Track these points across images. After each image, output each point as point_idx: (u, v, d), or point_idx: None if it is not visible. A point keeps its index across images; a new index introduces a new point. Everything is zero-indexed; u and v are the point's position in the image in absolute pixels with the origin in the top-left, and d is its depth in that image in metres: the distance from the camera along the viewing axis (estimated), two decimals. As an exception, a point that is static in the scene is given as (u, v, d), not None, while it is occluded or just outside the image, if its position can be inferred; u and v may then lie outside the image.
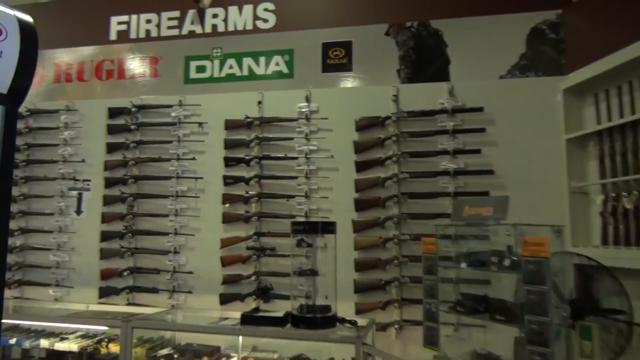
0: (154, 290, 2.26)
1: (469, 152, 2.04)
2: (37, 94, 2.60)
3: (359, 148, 2.16)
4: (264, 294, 2.16)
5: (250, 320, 1.82)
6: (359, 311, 2.05)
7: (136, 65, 2.50)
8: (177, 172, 2.31)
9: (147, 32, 2.49)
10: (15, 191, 2.51)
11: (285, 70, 2.28)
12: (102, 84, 2.53)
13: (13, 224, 2.48)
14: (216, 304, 2.18)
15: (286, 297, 2.01)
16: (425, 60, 2.20)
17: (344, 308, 1.87)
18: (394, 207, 2.09)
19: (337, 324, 1.77)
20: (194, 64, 2.42)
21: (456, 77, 2.13)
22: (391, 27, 2.23)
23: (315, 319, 1.75)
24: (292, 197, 2.17)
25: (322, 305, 1.79)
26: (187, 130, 2.35)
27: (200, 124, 2.31)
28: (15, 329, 2.27)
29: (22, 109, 2.56)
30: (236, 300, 2.18)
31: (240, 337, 1.89)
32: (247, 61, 2.34)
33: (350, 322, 1.80)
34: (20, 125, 2.56)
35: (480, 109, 2.02)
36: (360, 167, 2.15)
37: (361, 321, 1.82)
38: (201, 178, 2.28)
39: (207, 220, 2.26)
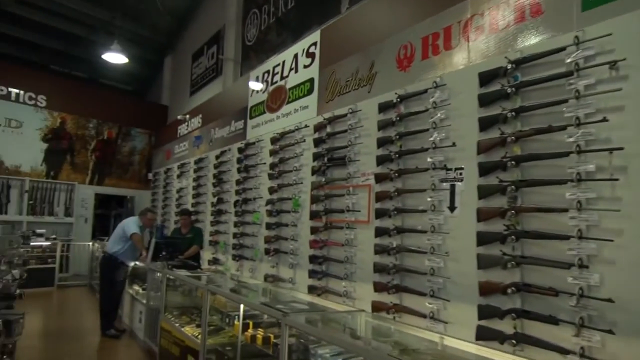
0: (552, 320, 2.48)
1: None
2: (408, 78, 3.72)
3: None
4: None
5: None
6: None
7: (510, 8, 2.96)
8: (578, 144, 2.46)
9: (524, -43, 2.90)
10: (389, 186, 3.71)
11: None
12: (471, 46, 3.21)
13: (389, 222, 3.68)
14: (660, 360, 2.06)
15: None
16: None
17: None
18: None
19: None
20: (595, -23, 2.51)
21: None
22: None
23: None
24: None
25: None
26: (591, 79, 2.46)
27: (612, 64, 2.35)
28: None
29: (392, 97, 3.77)
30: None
31: None
32: None
33: None
34: (392, 115, 3.78)
35: None
36: None
37: None
38: (619, 149, 2.29)
39: (635, 217, 2.22)
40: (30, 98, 10.86)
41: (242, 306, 3.41)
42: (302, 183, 5.04)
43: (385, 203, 3.75)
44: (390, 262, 3.59)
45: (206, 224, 7.83)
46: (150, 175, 12.58)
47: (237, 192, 6.62)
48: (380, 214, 3.77)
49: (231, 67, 9.19)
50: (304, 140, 5.07)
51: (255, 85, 6.63)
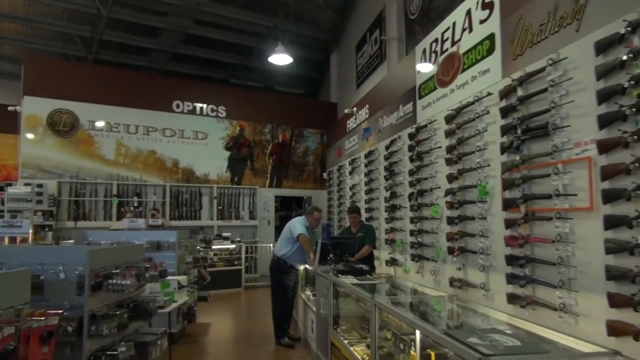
0: None
1: None
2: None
3: None
4: None
5: None
6: None
7: None
8: None
9: None
10: (624, 156, 2.60)
11: None
12: None
13: (628, 208, 2.57)
14: None
15: None
16: None
17: None
18: None
19: None
20: None
21: None
22: None
23: None
24: None
25: None
26: None
27: None
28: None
29: (617, 27, 2.66)
30: None
31: None
32: None
33: None
34: (619, 53, 2.67)
35: None
36: None
37: None
38: None
39: None
40: (212, 110, 11.79)
41: (418, 332, 2.63)
42: (488, 165, 4.11)
43: (618, 180, 2.66)
44: (636, 266, 2.50)
45: (381, 221, 7.30)
46: (324, 175, 12.66)
47: (411, 184, 5.92)
48: (611, 196, 2.69)
49: (395, 48, 8.52)
50: (488, 112, 4.14)
51: (422, 61, 5.85)
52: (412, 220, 5.88)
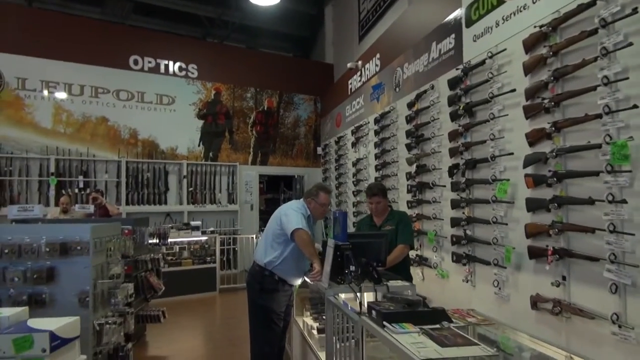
0: None
1: None
2: None
3: None
4: None
5: None
6: None
7: None
8: None
9: None
10: None
11: None
12: None
13: None
14: None
15: None
16: None
17: None
18: None
19: None
20: None
21: None
22: None
23: None
24: None
25: None
26: None
27: None
28: None
29: None
30: None
31: None
32: None
33: None
34: None
35: None
36: None
37: None
38: None
39: None
40: (180, 69, 9.89)
41: None
42: (635, 107, 2.42)
43: None
44: None
45: (400, 206, 5.64)
46: (319, 150, 10.96)
47: (455, 152, 4.25)
48: None
49: (419, -28, 6.74)
50: (636, 11, 2.43)
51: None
52: (455, 204, 4.23)
